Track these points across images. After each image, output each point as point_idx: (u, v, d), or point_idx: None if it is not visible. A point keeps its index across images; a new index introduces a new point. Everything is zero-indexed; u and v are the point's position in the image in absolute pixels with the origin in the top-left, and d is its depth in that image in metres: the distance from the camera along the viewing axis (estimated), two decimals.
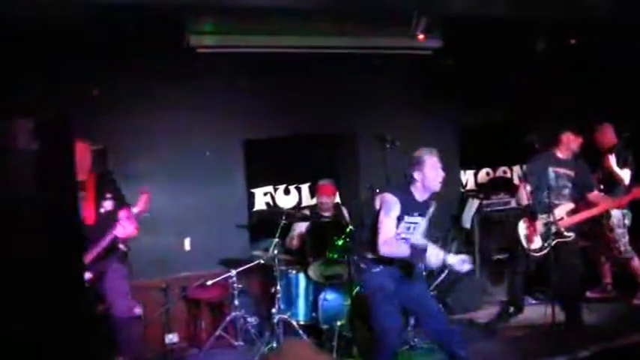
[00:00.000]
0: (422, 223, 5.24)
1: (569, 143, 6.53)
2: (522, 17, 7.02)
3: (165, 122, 7.02)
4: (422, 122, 7.98)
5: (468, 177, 9.06)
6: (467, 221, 7.90)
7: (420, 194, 5.09)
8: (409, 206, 5.04)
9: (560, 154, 6.58)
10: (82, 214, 5.21)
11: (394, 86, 8.05)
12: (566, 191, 6.47)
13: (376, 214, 5.05)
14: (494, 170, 9.05)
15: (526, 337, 6.49)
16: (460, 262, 5.04)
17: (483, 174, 9.12)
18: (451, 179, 8.56)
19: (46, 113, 5.49)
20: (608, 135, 7.33)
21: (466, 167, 9.00)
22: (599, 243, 7.35)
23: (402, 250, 5.01)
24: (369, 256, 5.11)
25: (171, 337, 6.65)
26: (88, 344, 5.46)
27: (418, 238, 5.24)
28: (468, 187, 9.00)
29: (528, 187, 6.39)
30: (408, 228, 5.12)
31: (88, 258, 5.20)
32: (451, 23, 7.14)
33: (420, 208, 5.15)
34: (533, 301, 7.27)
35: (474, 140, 8.66)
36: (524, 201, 6.44)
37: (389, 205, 4.97)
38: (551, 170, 6.48)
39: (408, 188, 5.09)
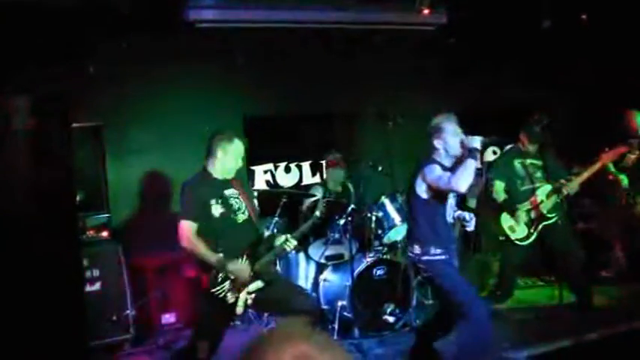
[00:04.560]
0: None
1: (524, 141, 6.56)
2: None
3: (163, 98, 6.90)
4: (425, 99, 7.82)
5: None
6: (472, 201, 7.75)
7: (446, 162, 4.86)
8: None
9: (522, 147, 6.60)
10: None
11: (397, 63, 7.86)
12: (539, 174, 6.48)
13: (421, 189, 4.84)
14: (502, 149, 8.83)
15: (533, 319, 6.40)
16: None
17: (490, 153, 8.92)
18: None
19: (42, 90, 5.41)
20: (631, 123, 7.05)
21: None
22: (612, 221, 7.24)
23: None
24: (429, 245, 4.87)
25: (168, 317, 6.54)
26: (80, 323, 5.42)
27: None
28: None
29: (499, 184, 6.52)
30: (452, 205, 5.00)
31: None
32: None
33: None
34: (541, 284, 7.24)
35: (480, 118, 8.47)
36: (500, 196, 6.51)
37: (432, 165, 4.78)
38: (517, 162, 6.54)
39: (433, 158, 4.86)
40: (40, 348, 4.92)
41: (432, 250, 4.82)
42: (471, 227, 5.05)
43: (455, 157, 4.85)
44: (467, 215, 5.01)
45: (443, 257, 4.82)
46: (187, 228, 4.64)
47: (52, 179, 5.39)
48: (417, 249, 4.89)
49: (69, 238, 5.63)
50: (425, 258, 4.85)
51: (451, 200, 4.96)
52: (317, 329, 1.57)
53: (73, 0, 5.65)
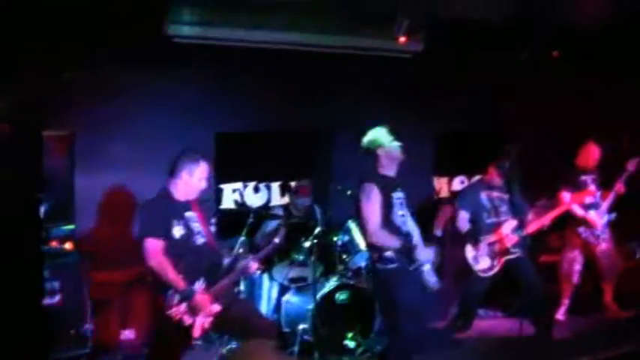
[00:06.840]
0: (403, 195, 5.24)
1: (492, 174, 6.60)
2: (506, 24, 6.98)
3: (137, 111, 6.83)
4: (397, 126, 7.84)
5: (441, 184, 8.91)
6: (438, 229, 7.78)
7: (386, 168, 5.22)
8: (386, 185, 5.05)
9: (490, 180, 6.64)
10: None
11: (371, 88, 7.88)
12: (504, 208, 6.53)
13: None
14: (469, 178, 8.89)
15: (493, 351, 6.41)
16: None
17: (457, 182, 8.98)
18: (425, 186, 8.59)
19: (15, 97, 5.36)
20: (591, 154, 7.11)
21: (440, 174, 8.85)
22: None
23: (392, 241, 4.98)
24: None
25: (127, 334, 6.45)
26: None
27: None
28: (442, 195, 8.85)
29: (464, 214, 6.54)
30: (401, 204, 5.13)
31: None
32: (433, 27, 7.07)
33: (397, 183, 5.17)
34: (501, 315, 7.29)
35: (449, 147, 8.55)
36: (464, 227, 6.53)
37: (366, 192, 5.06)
38: (483, 195, 6.58)
39: (375, 168, 5.21)
40: None
41: (385, 255, 5.03)
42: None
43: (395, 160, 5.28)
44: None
45: (395, 265, 5.02)
46: (155, 246, 4.55)
47: (19, 186, 5.33)
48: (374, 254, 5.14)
49: (31, 247, 5.56)
50: (379, 266, 5.10)
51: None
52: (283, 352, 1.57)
53: (51, 5, 5.62)
